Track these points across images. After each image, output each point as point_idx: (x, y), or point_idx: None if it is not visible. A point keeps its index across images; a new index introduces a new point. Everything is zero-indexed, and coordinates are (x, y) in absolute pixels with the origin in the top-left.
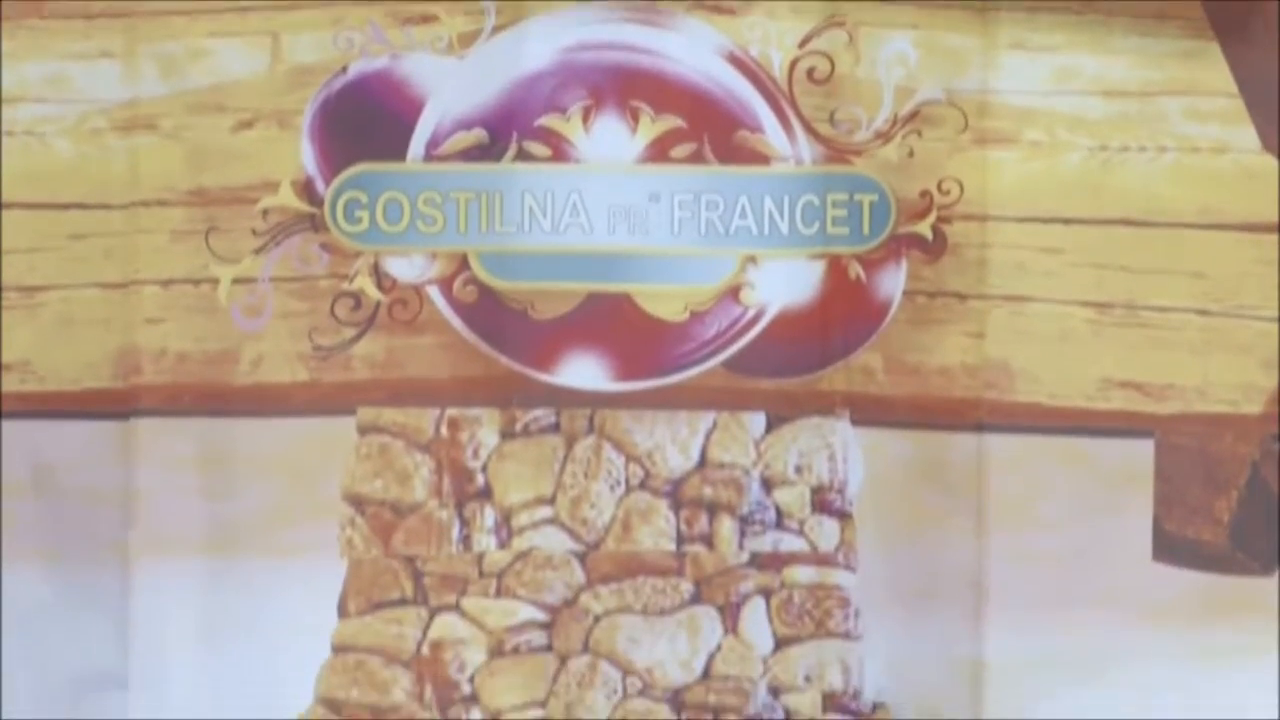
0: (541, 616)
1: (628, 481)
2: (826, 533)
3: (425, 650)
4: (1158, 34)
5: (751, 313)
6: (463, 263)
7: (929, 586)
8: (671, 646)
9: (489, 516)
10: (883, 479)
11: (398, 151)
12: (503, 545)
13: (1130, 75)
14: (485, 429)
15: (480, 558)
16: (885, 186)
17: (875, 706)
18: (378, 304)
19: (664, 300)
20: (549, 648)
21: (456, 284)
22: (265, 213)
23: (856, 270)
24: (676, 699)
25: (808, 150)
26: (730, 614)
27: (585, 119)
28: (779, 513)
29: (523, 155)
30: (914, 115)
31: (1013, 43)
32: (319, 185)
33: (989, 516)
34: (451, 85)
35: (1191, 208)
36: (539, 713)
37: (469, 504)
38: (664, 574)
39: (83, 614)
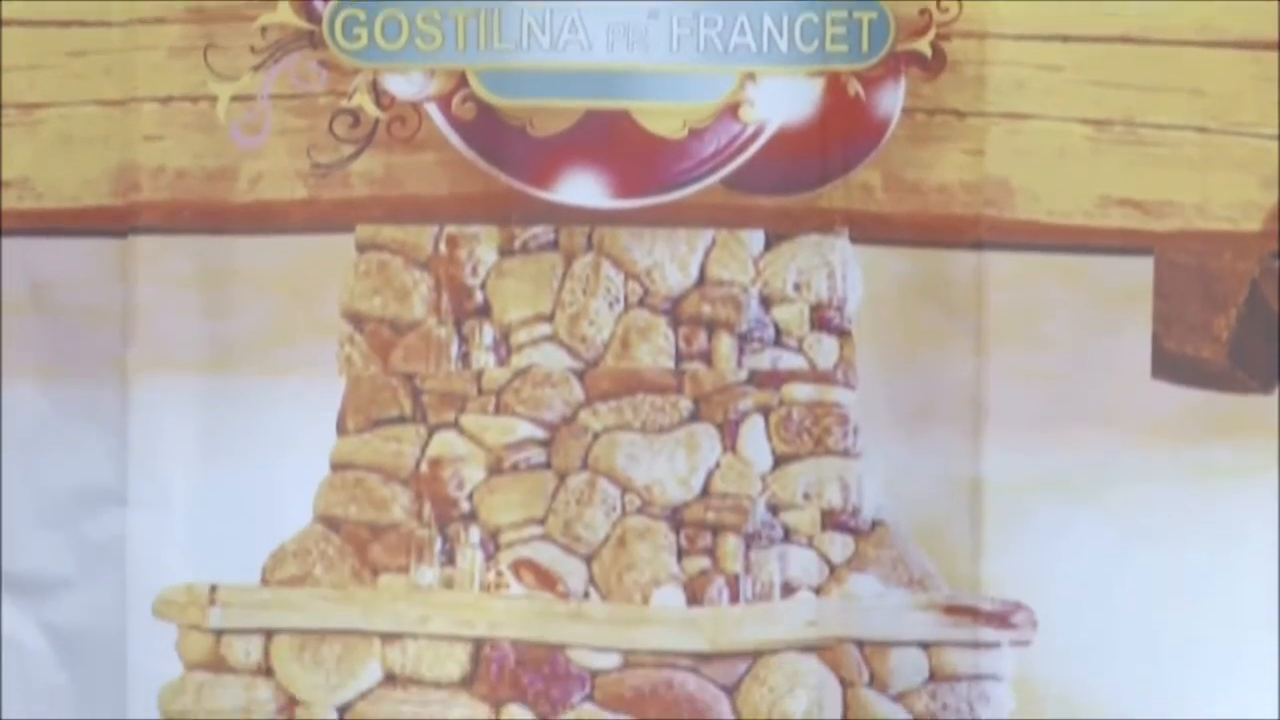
0: (540, 434)
1: (626, 299)
2: (825, 350)
3: (424, 468)
4: None
5: (750, 130)
6: (461, 80)
7: (928, 405)
8: (670, 464)
9: (488, 334)
10: (882, 297)
11: None
12: (501, 362)
13: None
14: (484, 246)
15: (479, 375)
16: (884, 3)
17: (874, 524)
18: (376, 121)
19: (663, 117)
20: (548, 465)
21: (455, 101)
22: (264, 30)
23: (855, 88)
24: (675, 516)
25: None
26: (729, 431)
27: None
28: (778, 330)
29: None
30: None
31: None
32: (317, 2)
33: (988, 334)
34: None
35: (1191, 24)
36: (538, 530)
37: (468, 321)
38: (663, 391)
39: (81, 431)
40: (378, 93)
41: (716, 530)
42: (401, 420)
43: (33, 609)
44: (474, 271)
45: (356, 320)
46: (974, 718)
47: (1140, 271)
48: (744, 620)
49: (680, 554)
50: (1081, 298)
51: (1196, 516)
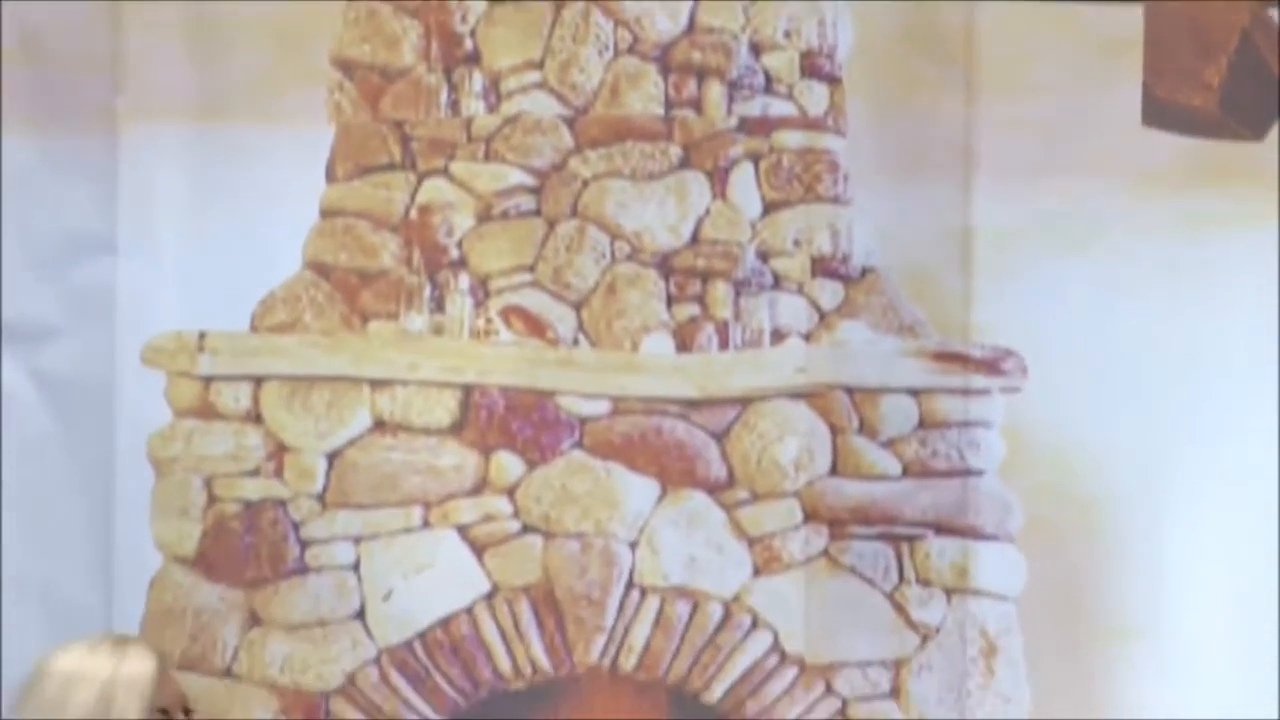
0: (530, 181)
1: (616, 46)
2: (815, 97)
3: (413, 214)
4: None
5: None
6: None
7: (918, 152)
8: (660, 211)
9: (477, 81)
10: (872, 46)
11: None
12: (491, 110)
13: None
14: None
15: (469, 122)
16: None
17: (864, 271)
18: None
19: None
20: (537, 212)
21: None
22: None
23: None
24: (665, 263)
25: None
26: (719, 178)
27: None
28: (768, 77)
29: None
30: None
31: None
32: None
33: (978, 83)
34: None
35: None
36: (527, 277)
37: (457, 68)
38: (652, 138)
39: (71, 180)
40: None
41: (706, 277)
42: (391, 167)
43: (22, 357)
44: (463, 19)
45: (346, 67)
46: (964, 464)
47: (1131, 19)
48: (733, 367)
49: (670, 301)
50: (1072, 46)
51: (1187, 265)
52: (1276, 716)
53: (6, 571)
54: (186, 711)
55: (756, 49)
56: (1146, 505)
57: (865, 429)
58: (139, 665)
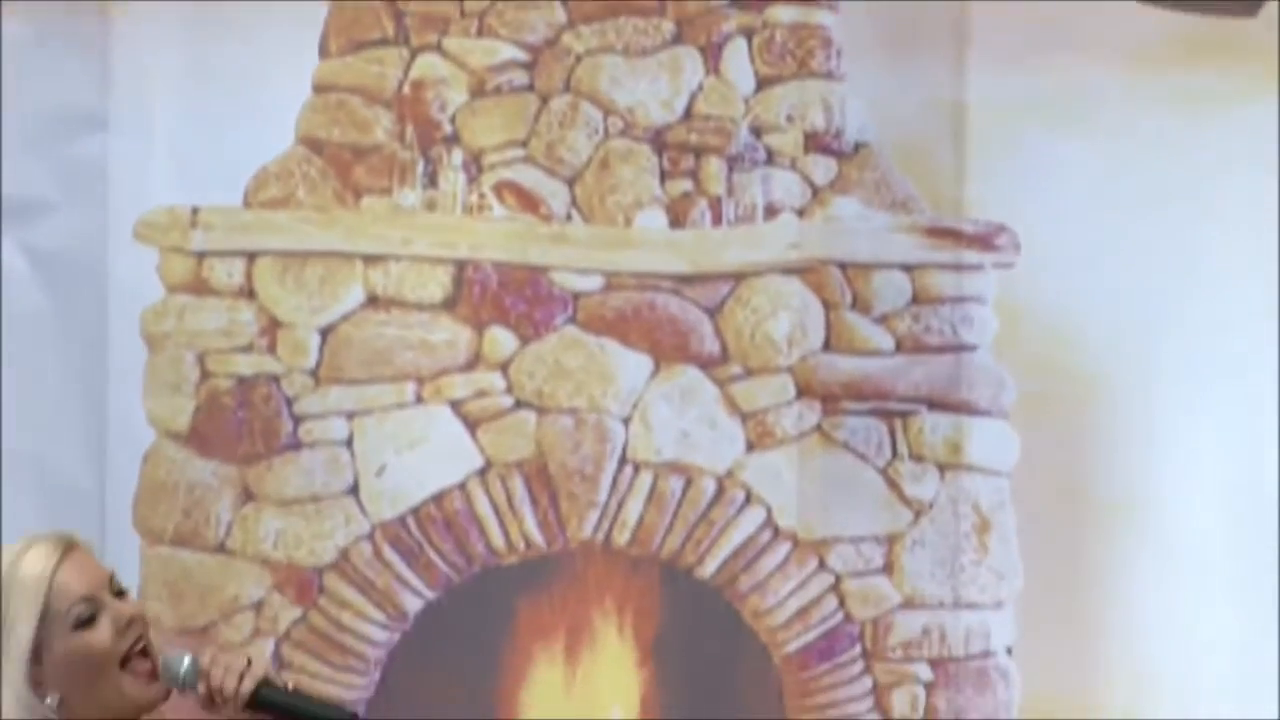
0: (523, 56)
1: None
2: None
3: (406, 90)
4: None
5: None
6: None
7: (912, 28)
8: (653, 86)
9: None
10: None
11: None
12: None
13: None
14: None
15: None
16: None
17: (857, 147)
18: None
19: None
20: (530, 88)
21: None
22: None
23: None
24: (658, 139)
25: None
26: (711, 54)
27: None
28: None
29: None
30: None
31: None
32: None
33: None
34: None
35: None
36: (520, 152)
37: None
38: (645, 14)
39: (63, 55)
40: None
41: (699, 153)
42: (384, 42)
43: (16, 233)
44: None
45: None
46: (957, 340)
47: None
48: (726, 243)
49: (663, 176)
50: None
51: (1182, 142)
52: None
53: (2, 452)
54: (119, 593)
55: None
56: (1139, 381)
57: (858, 304)
58: (32, 566)
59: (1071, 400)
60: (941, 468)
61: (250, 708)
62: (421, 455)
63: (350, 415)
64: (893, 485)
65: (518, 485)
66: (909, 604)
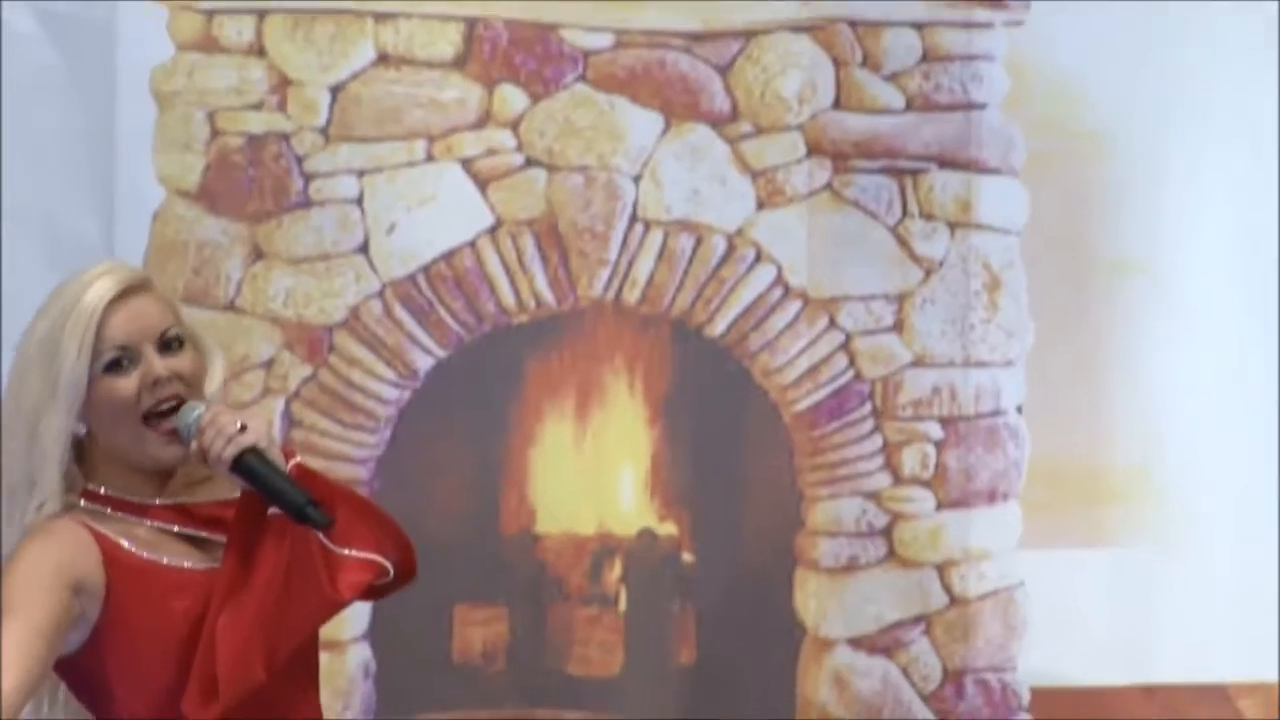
0: None
1: None
2: None
3: None
4: None
5: None
6: None
7: None
8: None
9: None
10: None
11: None
12: None
13: None
14: None
15: None
16: None
17: None
18: None
19: None
20: None
21: None
22: None
23: None
24: None
25: None
26: None
27: None
28: None
29: None
30: None
31: None
32: None
33: None
34: None
35: None
36: None
37: None
38: None
39: None
40: None
41: None
42: None
43: None
44: None
45: None
46: (967, 98)
47: None
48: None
49: None
50: None
51: None
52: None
53: (9, 205)
54: (170, 344)
55: None
56: (1148, 139)
57: (868, 62)
58: (90, 297)
59: (1081, 159)
60: (951, 226)
61: (233, 470)
62: (432, 213)
63: (360, 173)
64: (903, 243)
65: (528, 243)
66: (919, 362)
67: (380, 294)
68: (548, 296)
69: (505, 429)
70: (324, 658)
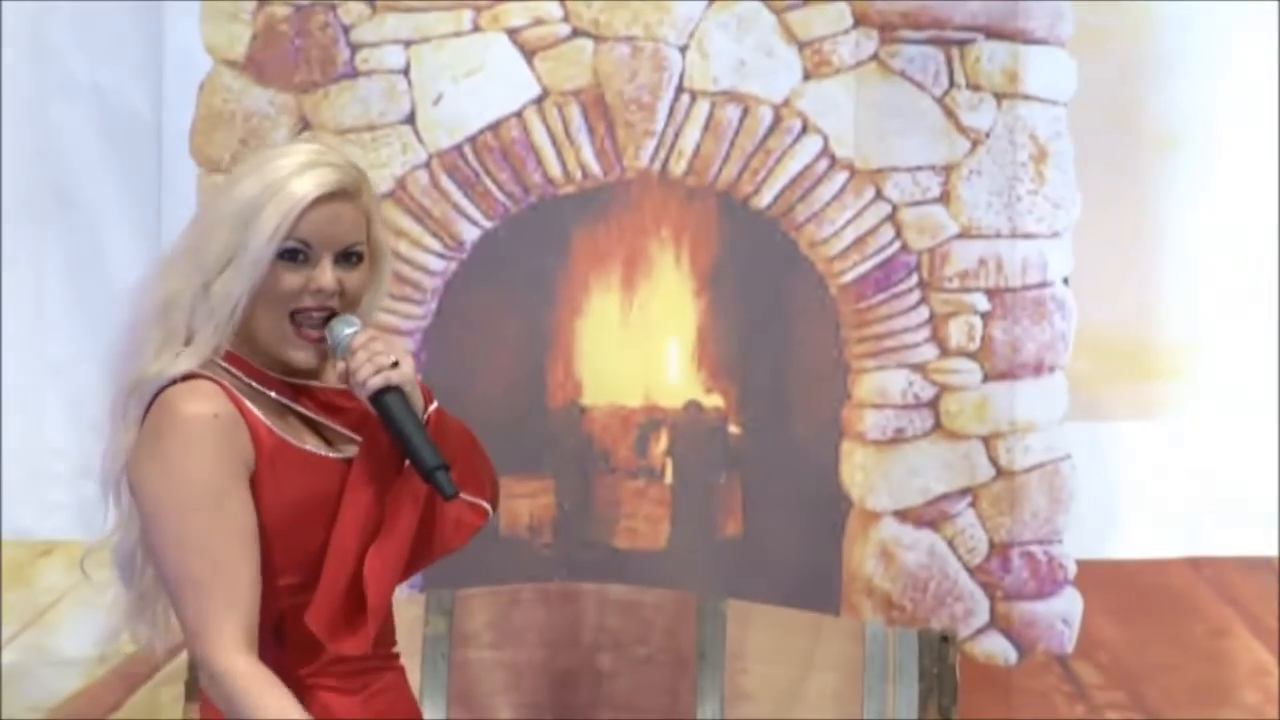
0: None
1: None
2: None
3: None
4: None
5: None
6: None
7: None
8: None
9: None
10: None
11: None
12: None
13: None
14: None
15: None
16: None
17: None
18: None
19: None
20: None
21: None
22: None
23: None
24: None
25: None
26: None
27: None
28: None
29: None
30: None
31: None
32: None
33: None
34: None
35: None
36: None
37: None
38: None
39: None
40: None
41: None
42: None
43: None
44: None
45: None
46: None
47: None
48: None
49: None
50: None
51: None
52: None
53: (58, 76)
54: (349, 258)
55: None
56: (1199, 14)
57: None
58: (300, 185)
59: (1130, 31)
60: (998, 97)
61: (370, 401)
62: (478, 84)
63: (407, 43)
64: (949, 114)
65: (574, 114)
66: (966, 233)
67: (426, 165)
68: (594, 167)
69: (551, 301)
70: None
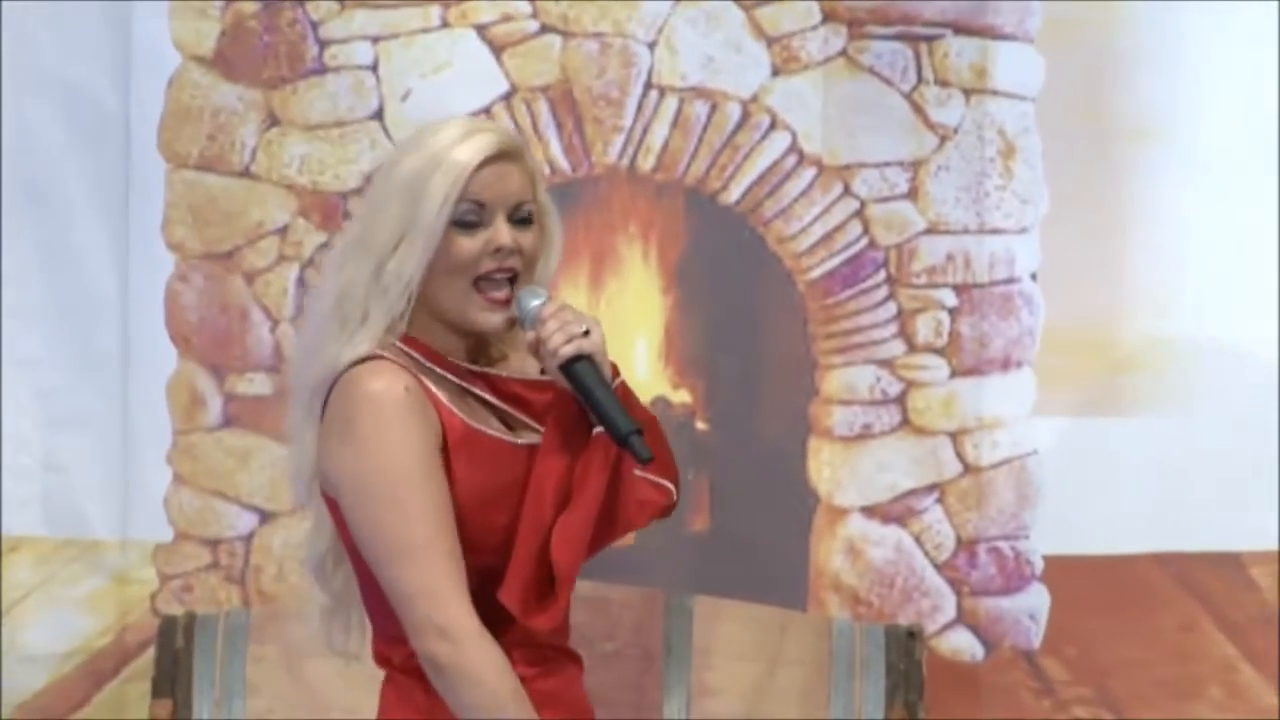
0: None
1: None
2: None
3: None
4: None
5: None
6: None
7: None
8: None
9: None
10: None
11: None
12: None
13: None
14: None
15: None
16: None
17: None
18: None
19: None
20: None
21: None
22: None
23: None
24: None
25: None
26: None
27: None
28: None
29: None
30: None
31: None
32: None
33: None
34: None
35: None
36: None
37: None
38: None
39: None
40: None
41: None
42: None
43: None
44: None
45: None
46: None
47: None
48: None
49: None
50: None
51: None
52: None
53: (28, 72)
54: (523, 221)
55: None
56: (1165, 6)
57: None
58: (463, 153)
59: (1097, 24)
60: (967, 92)
61: (561, 370)
62: (447, 80)
63: (375, 39)
64: (918, 110)
65: (543, 110)
66: (933, 229)
67: None
68: (562, 163)
69: None
70: None
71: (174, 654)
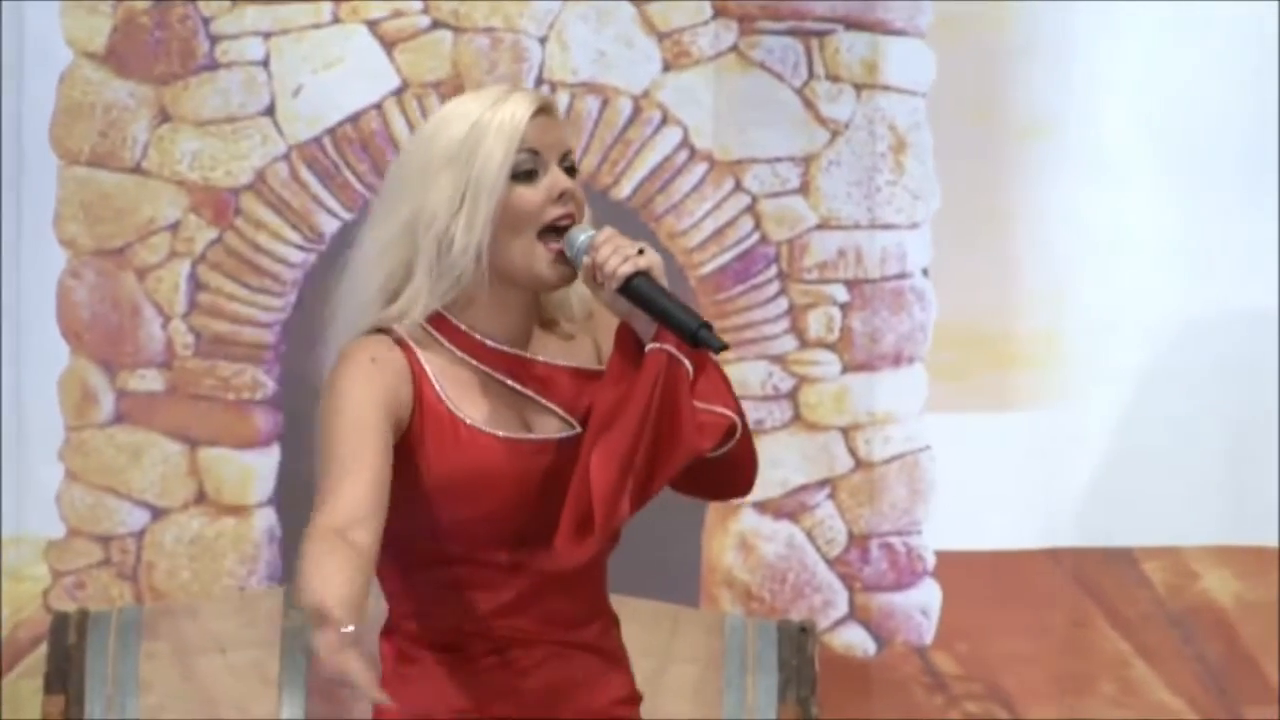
0: None
1: None
2: None
3: None
4: None
5: None
6: None
7: None
8: None
9: None
10: None
11: None
12: None
13: None
14: None
15: None
16: None
17: None
18: None
19: None
20: None
21: None
22: None
23: None
24: None
25: None
26: None
27: None
28: None
29: None
30: None
31: None
32: None
33: None
34: None
35: None
36: None
37: None
38: None
39: None
40: None
41: None
42: None
43: None
44: None
45: None
46: None
47: None
48: None
49: None
50: None
51: None
52: None
53: None
54: (570, 170)
55: None
56: (1056, 2)
57: None
58: (508, 113)
59: (988, 20)
60: (858, 87)
61: (622, 291)
62: (338, 75)
63: (267, 35)
64: (809, 105)
65: (434, 105)
66: (825, 225)
67: (286, 157)
68: None
69: None
70: (230, 523)
71: (66, 650)
